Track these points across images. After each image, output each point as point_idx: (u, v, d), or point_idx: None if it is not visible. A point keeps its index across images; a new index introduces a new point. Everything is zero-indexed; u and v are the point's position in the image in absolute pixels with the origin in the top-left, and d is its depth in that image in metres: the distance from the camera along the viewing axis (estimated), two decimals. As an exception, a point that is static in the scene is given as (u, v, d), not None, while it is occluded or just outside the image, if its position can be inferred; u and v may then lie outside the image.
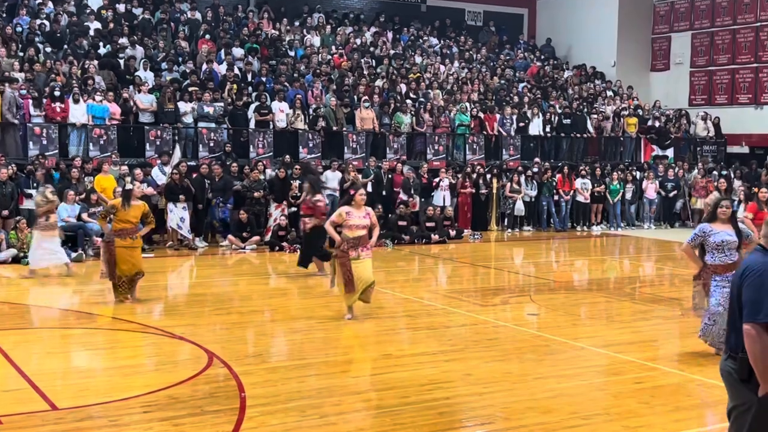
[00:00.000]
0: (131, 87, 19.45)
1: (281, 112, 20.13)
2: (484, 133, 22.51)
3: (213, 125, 19.36)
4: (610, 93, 26.35)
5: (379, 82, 23.08)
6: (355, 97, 21.88)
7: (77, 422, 6.23)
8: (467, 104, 22.82)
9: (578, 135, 23.59)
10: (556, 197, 21.11)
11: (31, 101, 17.64)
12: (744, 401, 4.18)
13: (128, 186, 11.50)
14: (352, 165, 19.16)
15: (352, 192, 9.81)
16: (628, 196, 21.95)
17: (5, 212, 15.03)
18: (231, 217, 17.20)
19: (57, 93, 17.81)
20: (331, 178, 18.76)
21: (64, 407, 6.51)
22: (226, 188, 17.30)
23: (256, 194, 17.13)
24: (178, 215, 16.46)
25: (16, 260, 14.34)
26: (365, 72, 23.70)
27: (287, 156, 18.78)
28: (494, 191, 20.76)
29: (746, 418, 4.17)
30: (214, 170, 17.40)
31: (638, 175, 22.62)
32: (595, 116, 24.13)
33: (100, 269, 11.20)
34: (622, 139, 24.52)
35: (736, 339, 4.18)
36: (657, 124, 24.99)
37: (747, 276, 4.16)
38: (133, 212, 10.87)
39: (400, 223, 17.88)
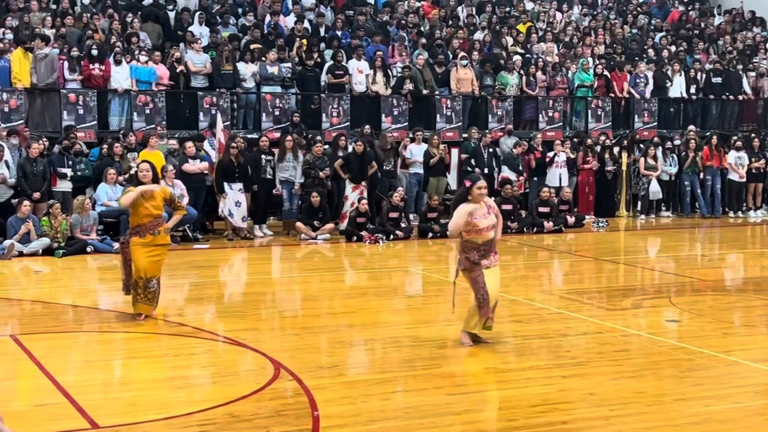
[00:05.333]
0: (182, 45, 19.86)
1: (360, 73, 20.25)
2: (611, 95, 22.19)
3: (279, 90, 19.62)
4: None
5: (479, 35, 22.96)
6: (450, 53, 21.81)
7: (122, 442, 6.44)
8: (590, 60, 22.52)
9: (731, 97, 23.00)
10: (701, 175, 20.70)
11: (66, 63, 18.18)
12: None
13: (134, 170, 10.40)
14: (436, 137, 19.13)
15: (468, 184, 9.12)
16: (797, 173, 21.36)
17: (36, 195, 15.50)
18: (301, 201, 17.40)
19: (95, 52, 18.28)
20: (417, 153, 18.82)
21: (107, 425, 6.70)
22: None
23: (321, 173, 17.25)
24: (232, 199, 16.62)
25: (48, 251, 14.83)
26: (462, 22, 23.60)
27: (367, 126, 18.89)
28: (624, 168, 20.48)
29: None
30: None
31: (810, 147, 21.97)
32: (753, 73, 23.49)
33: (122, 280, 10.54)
34: (788, 101, 23.84)
35: None
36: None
37: None
38: (152, 200, 10.10)
39: (505, 207, 17.78)
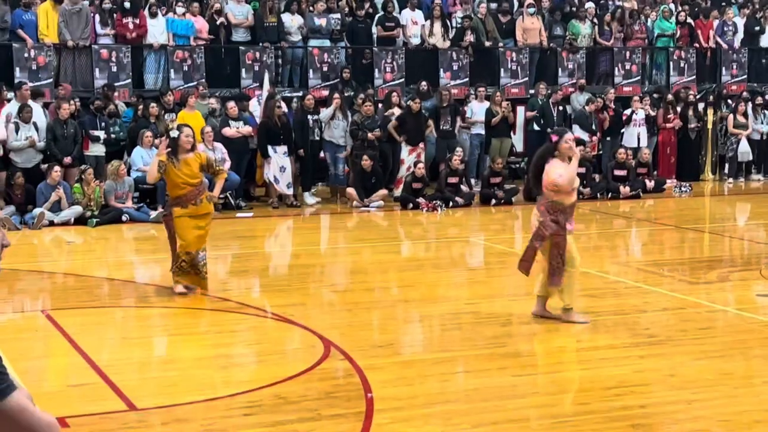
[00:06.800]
0: (221, -6, 19.93)
1: (414, 24, 20.17)
2: (696, 46, 21.89)
3: (327, 43, 19.62)
4: None
5: (547, -20, 22.73)
6: (515, 1, 21.62)
7: (162, 426, 6.56)
8: (671, 6, 22.20)
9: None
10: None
11: (97, 17, 18.34)
12: None
13: (173, 132, 10.42)
14: (500, 94, 19.00)
15: (554, 138, 9.12)
16: None
17: (67, 160, 15.72)
18: (352, 165, 17.44)
19: (127, 5, 18.42)
20: (478, 112, 18.73)
21: (145, 407, 6.83)
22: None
23: (371, 135, 17.23)
24: (277, 164, 16.66)
25: (81, 220, 15.05)
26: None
27: (423, 83, 18.83)
28: (709, 127, 20.23)
29: None
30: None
31: None
32: None
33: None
34: None
35: None
36: None
37: None
38: (187, 169, 10.17)
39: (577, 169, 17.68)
